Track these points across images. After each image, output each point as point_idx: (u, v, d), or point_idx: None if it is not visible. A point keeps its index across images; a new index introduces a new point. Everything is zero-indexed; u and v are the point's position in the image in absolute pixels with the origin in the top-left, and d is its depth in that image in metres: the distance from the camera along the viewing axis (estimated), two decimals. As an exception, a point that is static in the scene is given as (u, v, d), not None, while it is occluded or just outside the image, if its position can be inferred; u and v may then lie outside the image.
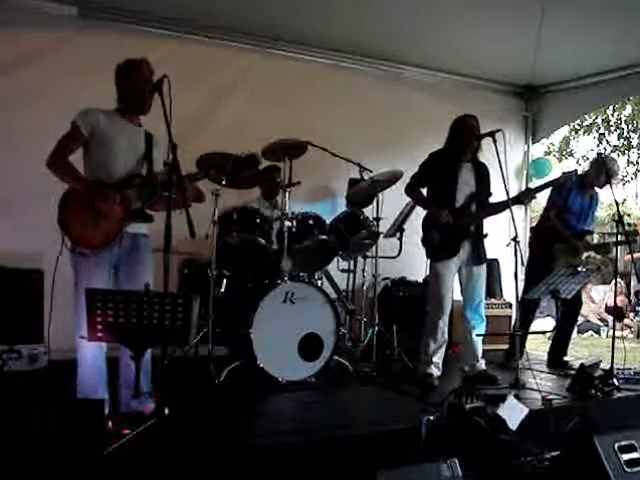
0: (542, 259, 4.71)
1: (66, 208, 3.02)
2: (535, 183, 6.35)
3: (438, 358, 4.15)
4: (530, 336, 5.25)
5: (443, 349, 4.17)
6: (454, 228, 4.08)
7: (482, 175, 4.23)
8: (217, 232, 4.04)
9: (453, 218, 4.07)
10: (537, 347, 6.31)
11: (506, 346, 5.01)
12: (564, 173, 4.81)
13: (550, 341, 5.25)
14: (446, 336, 4.17)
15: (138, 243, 3.20)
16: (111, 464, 2.38)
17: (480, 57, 5.66)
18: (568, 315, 4.91)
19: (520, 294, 4.28)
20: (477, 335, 4.19)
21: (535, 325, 8.30)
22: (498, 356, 4.95)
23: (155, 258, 3.22)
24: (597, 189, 4.92)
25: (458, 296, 4.34)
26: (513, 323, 5.52)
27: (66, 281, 3.04)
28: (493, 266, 5.33)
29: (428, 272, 4.36)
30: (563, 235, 4.73)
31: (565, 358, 5.01)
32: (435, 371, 4.12)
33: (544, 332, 5.53)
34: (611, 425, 3.17)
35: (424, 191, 4.29)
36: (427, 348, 4.13)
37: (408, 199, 4.57)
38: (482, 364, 4.25)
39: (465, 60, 5.78)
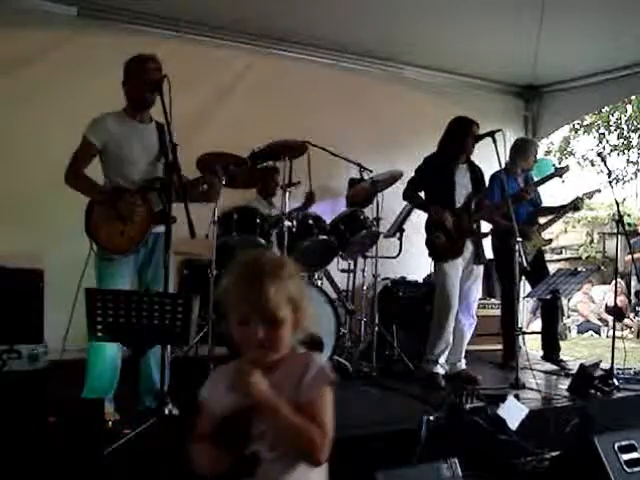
0: (506, 255, 4.43)
1: (92, 217, 3.07)
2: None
3: (444, 358, 4.13)
4: (530, 336, 5.24)
5: (450, 348, 4.15)
6: (458, 228, 4.09)
7: (477, 175, 4.26)
8: (217, 232, 4.04)
9: (455, 218, 4.09)
10: (537, 347, 6.30)
11: (500, 346, 4.99)
12: (557, 169, 4.80)
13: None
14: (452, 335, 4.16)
15: (161, 243, 3.18)
16: (111, 464, 2.38)
17: (480, 57, 5.65)
18: (547, 310, 5.00)
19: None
20: (472, 335, 4.21)
21: (534, 325, 8.38)
22: (497, 356, 4.95)
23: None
24: (527, 169, 4.95)
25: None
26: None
27: (65, 281, 3.04)
28: (491, 266, 5.31)
29: (430, 272, 4.35)
30: (511, 228, 4.30)
31: (561, 357, 5.00)
32: (441, 371, 4.10)
33: (541, 332, 5.51)
34: (611, 425, 3.16)
35: (422, 194, 4.30)
36: (434, 347, 4.11)
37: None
38: (463, 364, 4.25)
39: (465, 60, 5.77)
